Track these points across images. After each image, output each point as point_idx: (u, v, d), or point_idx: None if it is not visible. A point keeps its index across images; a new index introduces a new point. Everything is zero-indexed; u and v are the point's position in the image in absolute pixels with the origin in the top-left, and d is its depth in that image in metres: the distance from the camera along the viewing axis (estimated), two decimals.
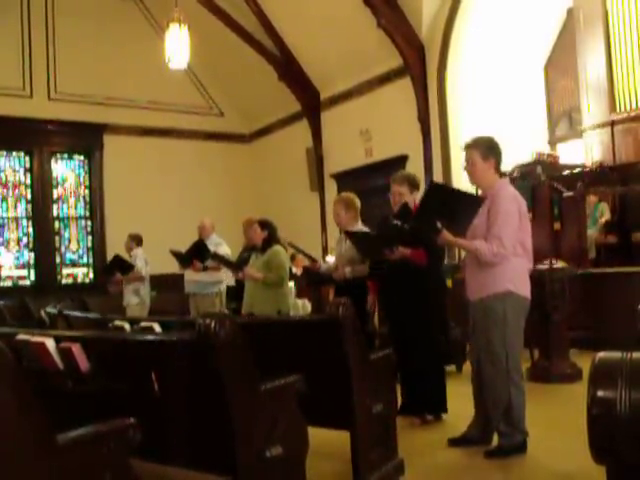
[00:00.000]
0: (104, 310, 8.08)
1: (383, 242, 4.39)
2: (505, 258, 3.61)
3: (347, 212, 5.11)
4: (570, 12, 10.38)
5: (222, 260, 6.49)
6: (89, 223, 12.65)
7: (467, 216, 3.60)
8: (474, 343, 3.90)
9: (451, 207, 3.61)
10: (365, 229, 5.03)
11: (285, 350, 3.39)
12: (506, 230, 3.59)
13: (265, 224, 5.74)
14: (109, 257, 12.00)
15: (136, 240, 8.32)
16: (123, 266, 7.96)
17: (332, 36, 10.83)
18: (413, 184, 4.63)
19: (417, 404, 4.57)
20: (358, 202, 5.18)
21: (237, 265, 6.17)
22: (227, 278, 7.81)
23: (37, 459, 1.78)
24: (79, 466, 1.89)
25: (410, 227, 3.87)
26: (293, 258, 8.22)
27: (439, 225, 3.60)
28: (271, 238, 5.70)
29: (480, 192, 3.96)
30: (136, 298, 8.04)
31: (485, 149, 3.76)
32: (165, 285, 8.22)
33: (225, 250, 7.17)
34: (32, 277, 12.08)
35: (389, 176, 4.82)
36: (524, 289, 3.74)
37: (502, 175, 4.03)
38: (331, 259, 5.43)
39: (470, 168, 3.81)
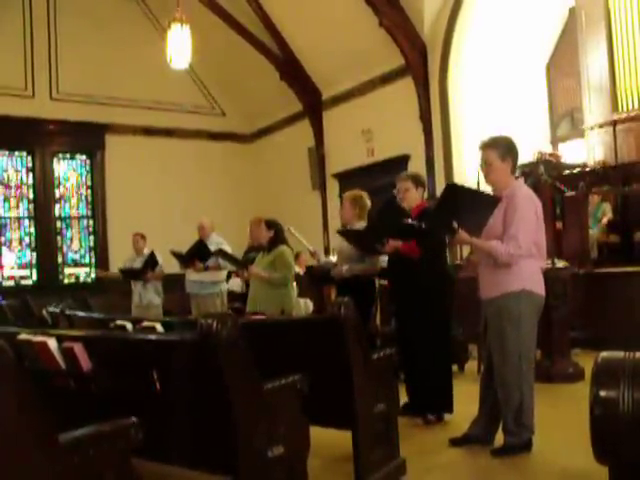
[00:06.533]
0: (106, 310, 8.09)
1: (372, 237, 4.47)
2: (521, 259, 3.61)
3: (352, 209, 5.19)
4: (572, 11, 10.36)
5: (228, 257, 6.48)
6: (91, 223, 12.66)
7: (483, 216, 3.58)
8: (487, 341, 3.88)
9: (467, 207, 3.60)
10: None
11: (287, 349, 3.39)
12: (523, 231, 3.58)
13: (272, 224, 5.77)
14: (110, 257, 12.09)
15: (144, 239, 8.19)
16: (154, 264, 7.65)
17: (334, 36, 10.83)
18: (417, 181, 4.70)
19: (421, 403, 4.57)
20: (368, 201, 5.25)
21: (243, 263, 6.18)
22: (235, 285, 7.80)
23: (39, 459, 1.78)
24: (81, 466, 1.89)
25: (426, 227, 3.85)
26: (297, 257, 8.21)
27: (455, 225, 3.60)
28: (277, 238, 5.72)
29: (495, 192, 3.93)
30: (158, 297, 7.99)
31: (503, 149, 3.74)
32: (166, 285, 8.19)
33: (226, 249, 7.16)
34: (34, 277, 12.09)
35: (391, 176, 4.89)
36: (539, 287, 3.74)
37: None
38: (333, 259, 5.45)
39: (487, 168, 3.77)
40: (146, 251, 8.04)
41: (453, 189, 3.82)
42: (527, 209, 3.63)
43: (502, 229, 3.63)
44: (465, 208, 3.59)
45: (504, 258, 3.60)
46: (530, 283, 3.67)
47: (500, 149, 3.73)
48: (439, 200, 3.85)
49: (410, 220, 4.10)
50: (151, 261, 7.72)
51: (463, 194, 3.74)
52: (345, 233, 4.99)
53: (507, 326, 3.66)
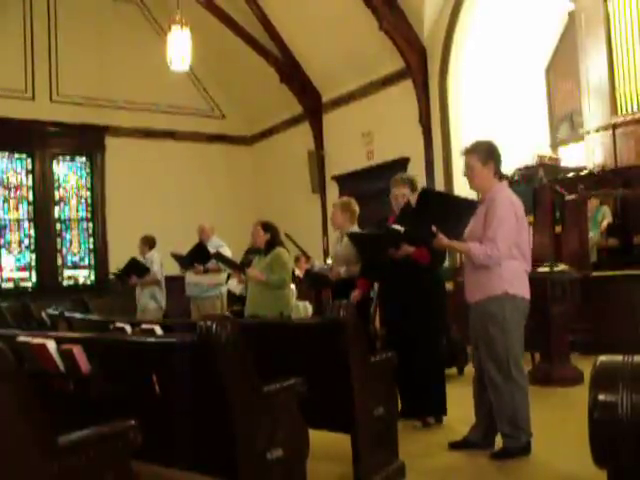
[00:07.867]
0: (105, 312, 8.09)
1: (387, 241, 4.42)
2: (499, 260, 3.63)
3: (343, 214, 5.24)
4: (571, 15, 10.37)
5: (225, 260, 6.49)
6: (90, 225, 12.65)
7: (461, 219, 3.64)
8: (475, 345, 3.89)
9: (445, 211, 3.67)
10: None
11: (286, 352, 3.39)
12: (501, 233, 3.60)
13: (268, 226, 5.76)
14: (110, 259, 12.08)
15: (149, 243, 8.18)
16: (139, 269, 7.83)
17: (334, 39, 10.84)
18: (413, 185, 4.68)
19: (417, 407, 4.56)
20: (356, 207, 5.32)
21: (240, 266, 6.18)
22: (234, 286, 7.79)
23: (38, 461, 1.78)
24: (80, 468, 1.89)
25: (405, 232, 3.88)
26: (297, 260, 8.21)
27: (434, 229, 3.63)
28: (274, 240, 5.72)
29: (480, 196, 3.96)
30: (153, 302, 7.95)
31: (484, 154, 3.78)
32: (166, 288, 8.22)
33: (226, 252, 7.16)
34: (33, 279, 12.08)
35: (390, 179, 4.84)
36: (522, 290, 3.74)
37: (502, 178, 4.04)
38: (330, 262, 5.46)
39: (469, 173, 3.81)
40: (148, 255, 8.05)
41: (427, 194, 3.87)
42: (506, 211, 3.66)
43: (483, 232, 3.66)
44: (442, 212, 3.65)
45: (481, 259, 3.63)
46: (513, 286, 3.68)
47: (481, 154, 3.77)
48: (416, 205, 3.90)
49: (395, 225, 4.11)
50: (131, 267, 7.75)
51: (438, 199, 3.83)
52: (355, 236, 4.77)
53: (493, 330, 3.68)
